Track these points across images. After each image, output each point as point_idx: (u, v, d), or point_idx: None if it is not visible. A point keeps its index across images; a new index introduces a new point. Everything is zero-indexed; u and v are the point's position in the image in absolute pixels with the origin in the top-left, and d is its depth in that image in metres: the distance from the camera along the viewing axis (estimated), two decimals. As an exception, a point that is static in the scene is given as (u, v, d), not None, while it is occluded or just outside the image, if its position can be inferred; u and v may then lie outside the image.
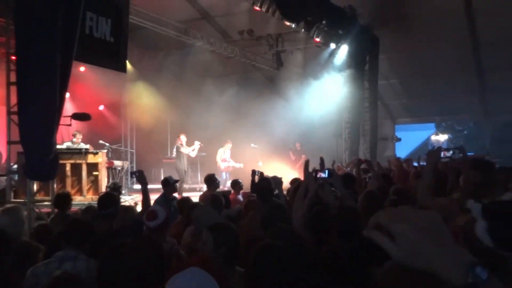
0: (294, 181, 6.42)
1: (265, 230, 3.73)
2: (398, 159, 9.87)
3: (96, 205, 5.48)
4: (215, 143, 16.23)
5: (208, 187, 8.01)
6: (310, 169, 4.58)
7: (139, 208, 6.05)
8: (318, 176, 4.18)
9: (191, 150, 14.51)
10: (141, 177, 5.47)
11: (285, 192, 6.92)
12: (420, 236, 0.88)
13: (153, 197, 7.08)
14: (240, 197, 8.35)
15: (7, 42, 7.17)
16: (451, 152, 4.12)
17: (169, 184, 7.43)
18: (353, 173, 8.12)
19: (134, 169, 16.38)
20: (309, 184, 4.04)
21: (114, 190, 8.86)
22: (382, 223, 0.91)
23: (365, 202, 4.19)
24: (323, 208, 4.16)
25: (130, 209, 5.93)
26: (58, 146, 8.11)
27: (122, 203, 7.09)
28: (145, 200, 5.38)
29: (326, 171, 4.34)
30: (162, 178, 7.98)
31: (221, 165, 15.75)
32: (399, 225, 0.90)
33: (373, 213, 0.94)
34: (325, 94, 15.90)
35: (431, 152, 3.81)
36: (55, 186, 8.21)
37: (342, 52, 14.79)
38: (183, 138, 14.54)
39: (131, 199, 12.06)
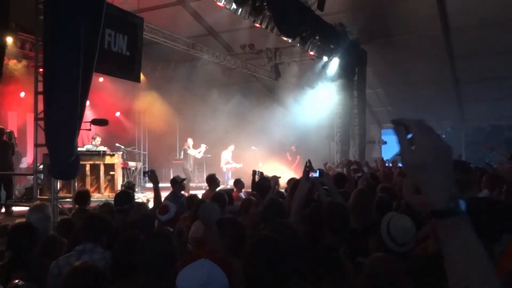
0: (290, 181, 6.30)
1: (264, 222, 3.69)
2: (382, 160, 9.84)
3: (112, 202, 5.46)
4: (219, 146, 16.24)
5: (209, 186, 7.92)
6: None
7: (151, 205, 6.10)
8: (310, 175, 4.11)
9: (197, 152, 14.50)
10: (153, 176, 5.43)
11: (283, 190, 6.85)
12: (433, 158, 0.91)
13: (163, 195, 7.06)
14: (242, 194, 8.19)
15: (36, 56, 7.28)
16: None
17: (177, 183, 7.40)
18: (344, 173, 8.08)
19: (147, 169, 16.38)
20: (301, 182, 4.01)
21: (129, 188, 8.82)
22: (411, 129, 0.94)
23: (356, 199, 4.15)
24: (317, 205, 4.12)
25: (143, 205, 5.88)
26: (79, 149, 8.09)
27: (136, 200, 7.11)
28: (157, 197, 5.32)
29: (317, 171, 4.23)
30: (171, 177, 7.96)
31: (223, 167, 15.78)
32: (425, 138, 0.93)
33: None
34: (319, 102, 15.91)
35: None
36: (76, 184, 8.45)
37: (334, 64, 14.79)
38: (190, 142, 14.53)
39: (143, 196, 12.05)
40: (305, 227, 3.85)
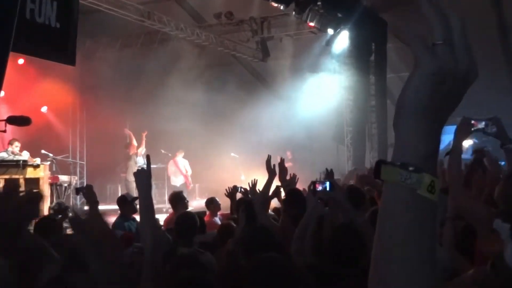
0: (286, 194, 6.18)
1: (248, 257, 3.72)
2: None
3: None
4: (186, 152, 16.52)
5: (173, 207, 7.97)
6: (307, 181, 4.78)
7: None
8: (316, 188, 4.22)
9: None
10: (89, 194, 5.39)
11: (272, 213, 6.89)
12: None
13: (112, 219, 7.03)
14: (217, 219, 8.35)
15: None
16: (483, 123, 3.94)
17: (127, 203, 7.40)
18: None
19: (84, 184, 15.90)
20: (307, 199, 4.14)
21: (59, 212, 8.70)
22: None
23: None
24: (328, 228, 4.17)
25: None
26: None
27: (67, 230, 7.07)
28: (101, 221, 5.31)
29: (327, 183, 4.28)
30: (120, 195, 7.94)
31: (174, 180, 16.28)
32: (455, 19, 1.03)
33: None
34: (322, 91, 16.24)
35: (459, 125, 3.79)
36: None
37: (342, 39, 15.11)
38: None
39: None
40: (310, 258, 3.94)
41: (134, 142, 15.31)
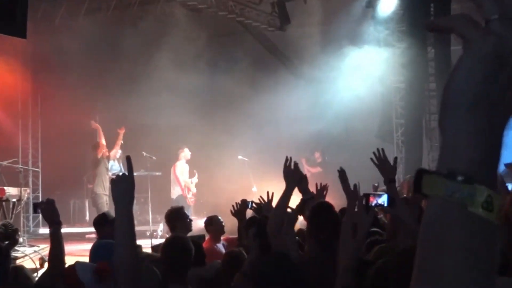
0: (310, 210, 5.91)
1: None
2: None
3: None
4: (175, 153, 16.53)
5: (171, 229, 7.97)
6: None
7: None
8: (370, 203, 4.40)
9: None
10: (49, 212, 5.40)
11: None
12: None
13: (77, 247, 7.45)
14: (220, 246, 8.38)
15: None
16: None
17: (107, 223, 7.07)
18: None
19: (40, 199, 16.72)
20: (358, 216, 4.19)
21: (5, 237, 8.57)
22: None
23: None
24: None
25: (21, 272, 5.96)
26: None
27: (18, 261, 7.66)
28: (55, 251, 5.27)
29: (385, 196, 4.48)
30: (89, 214, 8.20)
31: (176, 192, 16.41)
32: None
33: None
34: (363, 70, 15.99)
35: None
36: None
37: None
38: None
39: (34, 252, 11.75)
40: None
41: (104, 141, 15.31)
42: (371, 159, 5.33)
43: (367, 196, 4.53)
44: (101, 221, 7.42)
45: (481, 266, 1.00)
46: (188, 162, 16.43)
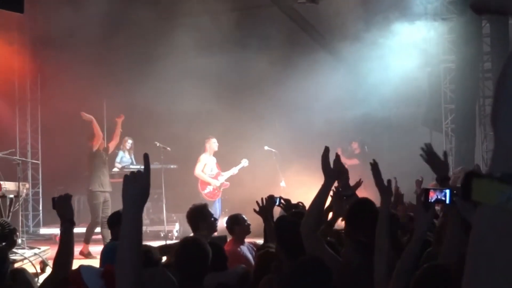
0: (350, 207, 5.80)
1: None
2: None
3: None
4: (194, 145, 16.23)
5: (194, 230, 7.83)
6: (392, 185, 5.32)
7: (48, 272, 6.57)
8: (430, 199, 4.23)
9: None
10: (62, 207, 5.23)
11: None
12: None
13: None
14: (244, 248, 8.04)
15: None
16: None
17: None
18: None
19: (40, 196, 18.02)
20: (417, 215, 4.33)
21: (2, 238, 8.64)
22: None
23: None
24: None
25: (22, 275, 6.01)
26: None
27: (17, 264, 7.97)
28: (63, 253, 5.16)
29: (447, 192, 4.24)
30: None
31: (203, 186, 15.95)
32: None
33: None
34: (408, 49, 15.70)
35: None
36: None
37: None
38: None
39: (34, 255, 11.68)
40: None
41: (100, 132, 14.87)
42: (421, 155, 5.30)
43: (426, 190, 4.34)
44: (115, 220, 7.37)
45: None
46: (215, 154, 16.09)
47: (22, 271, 6.41)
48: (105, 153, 14.96)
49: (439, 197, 4.24)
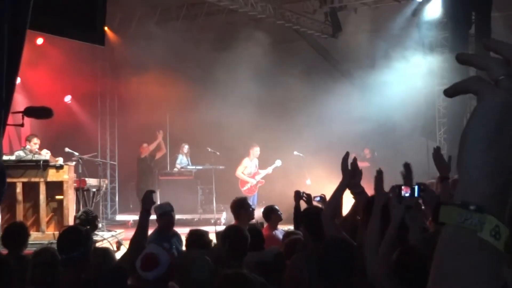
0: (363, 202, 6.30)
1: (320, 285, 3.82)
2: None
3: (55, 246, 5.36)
4: (238, 149, 16.62)
5: (236, 218, 8.14)
6: (389, 184, 4.69)
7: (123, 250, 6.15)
8: (402, 194, 4.24)
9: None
10: (147, 199, 5.62)
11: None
12: None
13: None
14: (278, 233, 8.44)
15: None
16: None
17: (165, 214, 7.39)
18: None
19: (116, 190, 18.63)
20: (391, 207, 4.16)
21: (86, 222, 8.99)
22: None
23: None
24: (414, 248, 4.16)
25: (107, 253, 5.93)
26: (5, 158, 8.45)
27: (98, 243, 7.22)
28: (138, 235, 5.42)
29: (416, 188, 4.31)
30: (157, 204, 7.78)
31: (243, 184, 16.46)
32: None
33: None
34: (409, 74, 16.12)
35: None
36: (0, 216, 8.49)
37: (434, 7, 15.21)
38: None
39: (111, 236, 12.09)
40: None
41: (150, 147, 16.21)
42: (433, 154, 5.45)
43: (399, 187, 4.33)
44: (160, 211, 7.41)
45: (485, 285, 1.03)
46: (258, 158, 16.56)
47: (108, 251, 6.32)
48: (150, 159, 16.04)
49: (409, 192, 4.29)
